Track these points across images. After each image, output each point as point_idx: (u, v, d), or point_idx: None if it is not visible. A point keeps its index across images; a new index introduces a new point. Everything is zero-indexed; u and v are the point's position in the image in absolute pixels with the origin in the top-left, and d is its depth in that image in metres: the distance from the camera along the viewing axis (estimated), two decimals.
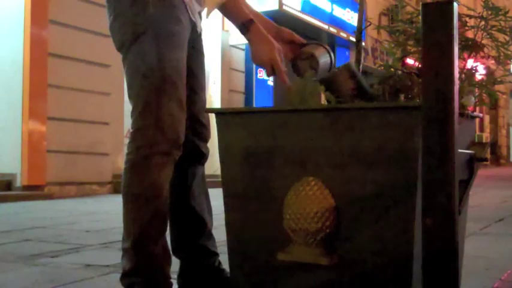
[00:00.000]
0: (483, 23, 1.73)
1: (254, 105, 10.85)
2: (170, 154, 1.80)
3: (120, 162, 8.26)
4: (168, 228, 1.93)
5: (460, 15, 1.49)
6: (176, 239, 2.06)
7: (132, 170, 1.80)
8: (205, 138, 2.05)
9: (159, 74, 1.78)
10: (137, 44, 1.81)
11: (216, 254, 2.10)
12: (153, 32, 1.79)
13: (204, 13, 2.02)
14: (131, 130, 1.83)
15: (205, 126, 2.04)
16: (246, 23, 1.85)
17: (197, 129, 2.01)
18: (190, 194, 2.03)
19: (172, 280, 1.86)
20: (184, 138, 1.84)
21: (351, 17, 13.67)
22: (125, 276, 1.82)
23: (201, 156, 2.05)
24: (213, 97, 10.64)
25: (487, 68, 1.83)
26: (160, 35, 1.80)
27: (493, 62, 1.79)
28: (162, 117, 1.78)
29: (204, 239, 2.06)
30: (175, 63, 1.81)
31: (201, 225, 2.06)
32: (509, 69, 1.90)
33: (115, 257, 2.82)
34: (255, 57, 1.86)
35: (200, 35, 2.04)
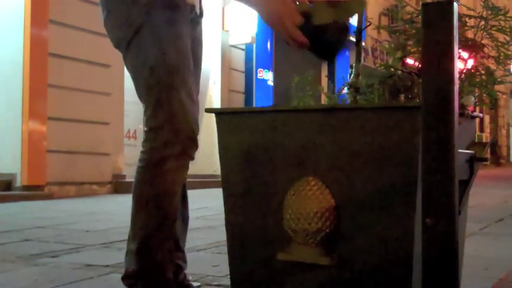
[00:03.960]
0: (483, 23, 1.73)
1: (254, 105, 10.85)
2: (185, 153, 1.76)
3: (120, 162, 8.27)
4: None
5: (460, 15, 1.49)
6: None
7: (146, 171, 1.77)
8: None
9: (164, 68, 1.72)
10: (136, 40, 1.74)
11: (180, 267, 1.96)
12: (150, 24, 1.72)
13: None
14: (145, 129, 1.78)
15: None
16: None
17: None
18: None
19: None
20: (198, 132, 1.79)
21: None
22: (127, 277, 1.82)
23: None
24: (213, 97, 10.64)
25: (487, 68, 1.83)
26: (159, 25, 1.72)
27: (493, 62, 1.79)
28: (174, 115, 1.73)
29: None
30: (179, 53, 1.74)
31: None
32: (509, 69, 1.90)
33: (115, 257, 2.82)
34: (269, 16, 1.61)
35: (199, 22, 1.94)
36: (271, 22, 1.61)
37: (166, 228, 1.79)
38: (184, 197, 2.01)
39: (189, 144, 1.77)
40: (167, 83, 1.73)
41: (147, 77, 1.75)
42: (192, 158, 1.80)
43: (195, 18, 1.90)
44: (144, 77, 1.76)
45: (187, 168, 1.81)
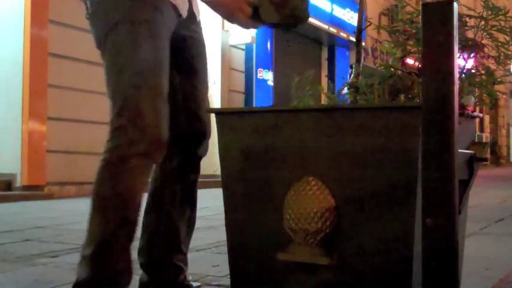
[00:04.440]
0: (483, 23, 1.73)
1: (254, 105, 10.85)
2: (149, 155, 1.67)
3: None
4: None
5: (460, 15, 1.49)
6: (147, 251, 1.92)
7: (106, 171, 1.67)
8: (203, 136, 1.92)
9: (136, 67, 1.65)
10: (111, 38, 1.69)
11: (181, 268, 1.96)
12: (126, 23, 1.67)
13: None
14: (110, 128, 1.68)
15: (204, 123, 1.91)
16: None
17: (194, 126, 1.89)
18: (171, 199, 1.90)
19: None
20: (167, 136, 1.70)
21: (351, 17, 13.68)
22: (77, 286, 1.67)
23: (193, 160, 1.92)
24: (213, 97, 10.64)
25: (487, 68, 1.83)
26: (134, 24, 1.67)
27: (493, 62, 1.79)
28: (141, 115, 1.64)
29: (174, 253, 1.93)
30: (153, 54, 1.67)
31: (173, 237, 1.92)
32: (509, 69, 1.90)
33: None
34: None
35: (194, 22, 1.89)
36: (225, 16, 1.81)
37: (125, 233, 1.67)
38: (192, 199, 1.96)
39: (155, 145, 1.67)
40: (137, 83, 1.65)
41: (117, 75, 1.68)
42: (155, 162, 1.72)
43: (187, 19, 1.85)
44: (114, 75, 1.69)
45: (150, 170, 1.73)
